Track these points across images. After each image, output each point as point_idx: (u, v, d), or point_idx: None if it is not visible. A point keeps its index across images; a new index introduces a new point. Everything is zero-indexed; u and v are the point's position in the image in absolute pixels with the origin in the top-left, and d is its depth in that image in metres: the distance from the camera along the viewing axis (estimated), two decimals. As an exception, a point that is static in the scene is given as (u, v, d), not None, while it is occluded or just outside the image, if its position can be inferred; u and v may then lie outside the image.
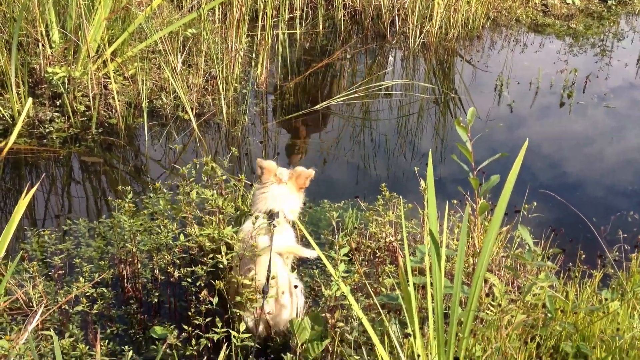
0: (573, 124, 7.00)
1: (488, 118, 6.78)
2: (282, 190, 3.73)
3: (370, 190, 5.20)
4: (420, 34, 8.71)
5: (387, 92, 7.35)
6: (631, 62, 8.88)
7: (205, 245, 3.60)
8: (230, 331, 2.89)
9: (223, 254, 3.23)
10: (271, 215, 3.57)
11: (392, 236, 4.09)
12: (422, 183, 3.97)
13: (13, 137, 5.30)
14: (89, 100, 5.90)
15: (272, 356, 3.35)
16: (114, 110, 5.93)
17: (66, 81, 5.82)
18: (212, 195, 3.80)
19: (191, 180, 3.91)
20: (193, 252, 3.77)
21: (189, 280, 3.45)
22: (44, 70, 5.87)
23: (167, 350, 3.19)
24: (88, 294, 3.46)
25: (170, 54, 6.21)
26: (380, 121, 6.75)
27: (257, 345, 3.14)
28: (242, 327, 2.88)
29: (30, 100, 5.54)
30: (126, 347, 3.04)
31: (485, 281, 3.32)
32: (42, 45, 5.90)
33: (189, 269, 3.45)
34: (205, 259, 3.38)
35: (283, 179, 3.77)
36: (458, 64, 8.64)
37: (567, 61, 8.70)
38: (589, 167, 6.14)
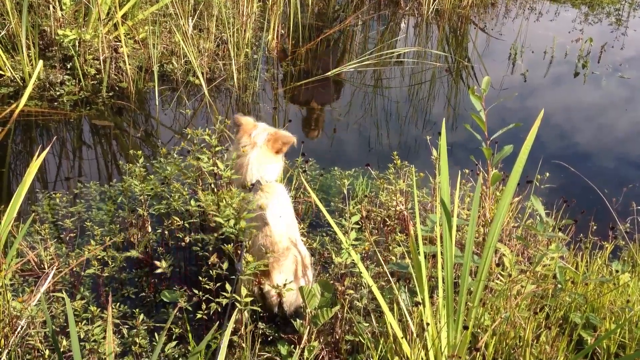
0: (587, 94, 6.93)
1: (501, 87, 6.71)
2: (257, 155, 3.45)
3: (381, 158, 5.18)
4: (434, 0, 8.59)
5: (399, 60, 7.27)
6: (647, 32, 8.76)
7: (210, 211, 3.56)
8: (235, 296, 2.90)
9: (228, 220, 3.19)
10: (251, 187, 3.38)
11: (402, 205, 4.08)
12: (434, 152, 3.95)
13: (24, 100, 5.29)
14: (100, 64, 5.87)
15: (282, 322, 3.37)
16: (124, 74, 5.91)
17: (77, 44, 5.79)
18: (208, 161, 3.65)
19: (202, 146, 3.90)
20: (203, 217, 3.77)
21: (199, 246, 3.45)
22: (55, 32, 5.84)
23: (178, 314, 3.22)
24: (99, 257, 3.48)
25: (181, 17, 6.15)
26: (392, 89, 6.69)
27: (262, 311, 3.16)
28: (244, 292, 2.88)
29: (40, 62, 5.52)
30: (137, 310, 3.07)
31: (496, 251, 3.31)
32: (53, 7, 5.85)
33: (200, 235, 3.46)
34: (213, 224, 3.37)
35: (258, 142, 3.47)
36: (472, 31, 8.53)
37: (583, 30, 8.58)
38: (602, 138, 6.09)
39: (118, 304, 3.25)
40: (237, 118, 3.57)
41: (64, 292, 3.12)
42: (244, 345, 2.96)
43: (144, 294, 3.53)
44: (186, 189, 3.81)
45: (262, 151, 3.46)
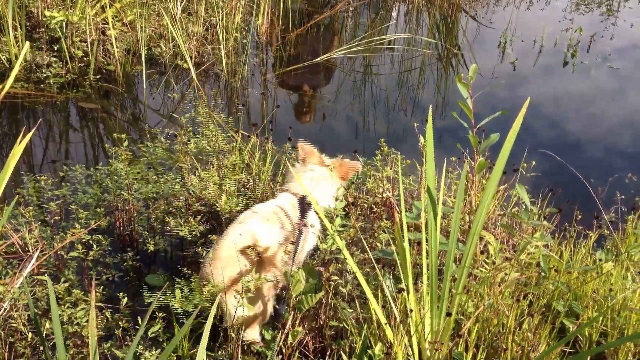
0: (575, 83, 6.94)
1: (492, 76, 6.71)
2: (321, 172, 3.61)
3: (368, 145, 5.17)
4: (425, -13, 8.57)
5: (389, 47, 7.25)
6: (637, 22, 8.76)
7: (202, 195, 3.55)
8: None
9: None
10: (304, 205, 3.36)
11: (389, 192, 4.08)
12: (421, 139, 3.94)
13: (10, 81, 5.23)
14: (87, 46, 5.82)
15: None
16: (112, 56, 5.86)
17: (64, 26, 5.73)
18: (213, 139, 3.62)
19: (189, 130, 3.88)
20: (190, 202, 3.76)
21: (186, 230, 3.44)
22: (42, 14, 5.77)
23: (162, 299, 3.21)
24: (84, 240, 3.46)
25: (169, 0, 6.10)
26: (381, 76, 6.68)
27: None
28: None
29: (27, 44, 5.46)
30: (121, 293, 3.05)
31: (481, 239, 3.32)
32: (40, -13, 5.80)
33: (183, 220, 3.45)
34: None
35: (326, 162, 3.67)
36: (462, 19, 8.52)
37: (573, 20, 8.58)
38: (589, 127, 6.10)
39: (102, 287, 3.24)
40: (301, 144, 3.72)
41: (47, 275, 3.11)
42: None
43: (128, 278, 3.52)
44: (172, 174, 3.79)
45: (328, 171, 3.64)
